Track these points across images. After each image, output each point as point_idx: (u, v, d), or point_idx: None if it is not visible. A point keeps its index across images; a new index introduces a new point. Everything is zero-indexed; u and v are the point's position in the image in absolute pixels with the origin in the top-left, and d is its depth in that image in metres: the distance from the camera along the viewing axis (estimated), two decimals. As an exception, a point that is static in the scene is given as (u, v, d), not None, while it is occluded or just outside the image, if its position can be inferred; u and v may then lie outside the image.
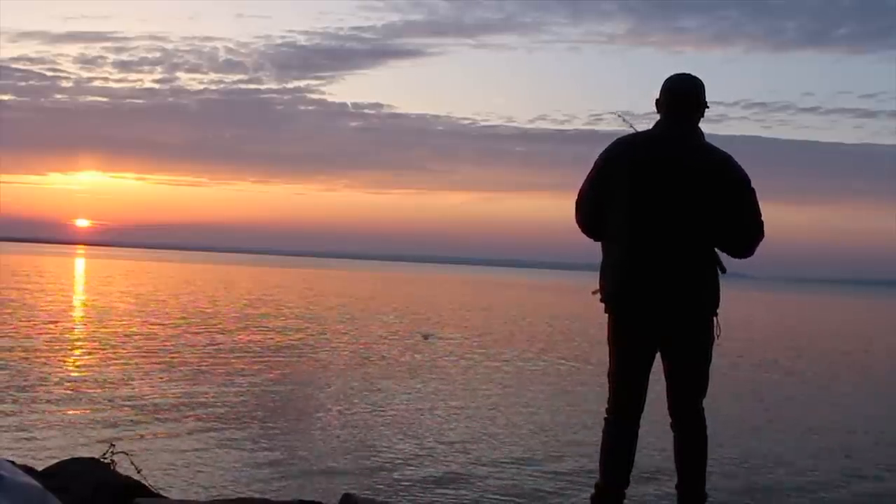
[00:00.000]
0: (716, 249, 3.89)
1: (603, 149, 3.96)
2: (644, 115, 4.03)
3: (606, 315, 3.95)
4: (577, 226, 4.02)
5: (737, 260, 4.01)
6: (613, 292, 3.85)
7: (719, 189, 3.78)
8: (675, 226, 3.76)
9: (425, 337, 9.85)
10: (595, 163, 3.93)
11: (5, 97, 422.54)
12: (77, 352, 13.69)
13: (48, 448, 6.92)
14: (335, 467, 6.88)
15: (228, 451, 7.25)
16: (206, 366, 12.60)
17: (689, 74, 3.95)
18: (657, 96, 3.94)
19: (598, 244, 4.01)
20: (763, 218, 3.87)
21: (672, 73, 3.96)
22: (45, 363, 11.95)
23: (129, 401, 9.41)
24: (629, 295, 3.80)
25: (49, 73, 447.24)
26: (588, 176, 3.94)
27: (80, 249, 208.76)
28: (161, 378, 11.13)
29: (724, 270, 3.89)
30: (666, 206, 3.76)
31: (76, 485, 4.11)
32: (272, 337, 17.54)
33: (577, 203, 3.98)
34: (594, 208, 3.90)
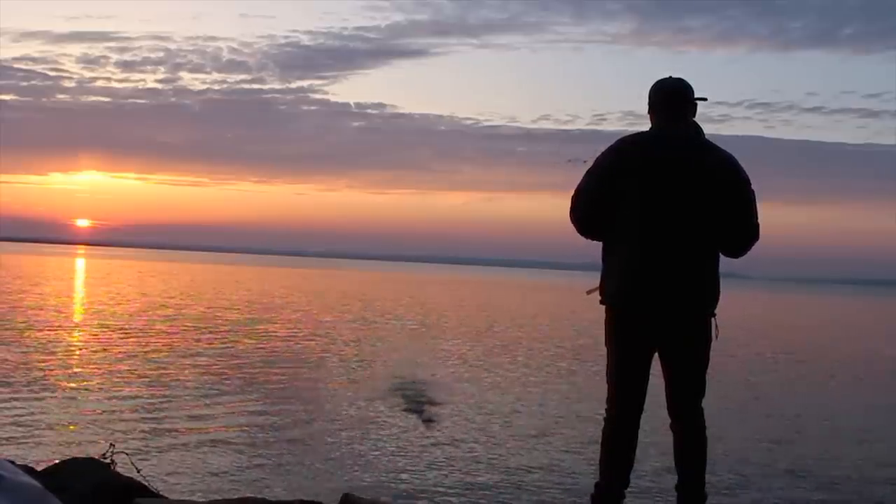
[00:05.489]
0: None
1: (606, 147, 3.95)
2: (647, 115, 4.04)
3: (605, 314, 3.94)
4: (570, 221, 3.99)
5: (738, 261, 4.04)
6: (622, 291, 3.83)
7: (725, 188, 3.78)
8: (686, 225, 3.76)
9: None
10: (597, 160, 3.90)
11: (7, 97, 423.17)
12: (77, 352, 13.69)
13: (48, 448, 6.92)
14: (335, 467, 6.88)
15: (228, 452, 7.25)
16: (207, 367, 12.60)
17: (673, 76, 3.99)
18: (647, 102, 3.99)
19: (598, 244, 3.99)
20: (759, 220, 3.89)
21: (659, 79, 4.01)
22: (46, 363, 11.94)
23: (129, 401, 9.41)
24: (638, 294, 3.78)
25: (52, 73, 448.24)
26: (589, 172, 3.91)
27: (81, 249, 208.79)
28: (161, 378, 11.13)
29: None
30: (678, 205, 3.75)
31: (76, 485, 4.11)
32: (273, 339, 17.54)
33: (575, 199, 3.94)
34: (594, 206, 3.88)
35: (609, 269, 3.91)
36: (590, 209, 3.89)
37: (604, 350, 3.98)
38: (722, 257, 3.93)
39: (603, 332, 3.98)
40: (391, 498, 5.89)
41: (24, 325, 17.23)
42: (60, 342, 14.69)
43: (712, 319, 3.89)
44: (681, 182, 3.76)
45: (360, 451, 7.43)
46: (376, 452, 7.41)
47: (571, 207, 3.95)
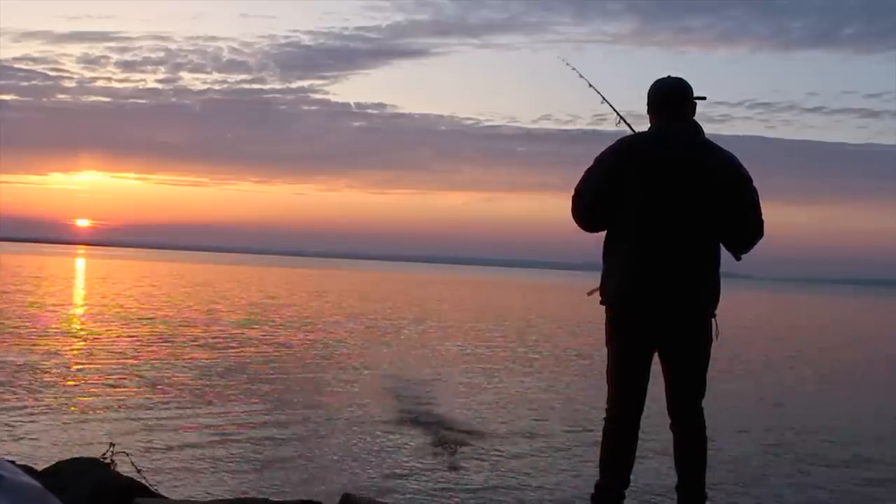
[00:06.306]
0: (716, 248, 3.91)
1: (606, 147, 3.95)
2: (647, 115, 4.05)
3: (605, 314, 3.95)
4: (573, 219, 4.00)
5: (737, 260, 4.05)
6: (622, 291, 3.83)
7: (728, 188, 3.79)
8: (686, 225, 3.76)
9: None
10: (598, 158, 3.91)
11: (8, 97, 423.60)
12: (77, 352, 13.69)
13: (48, 448, 6.92)
14: (335, 467, 6.88)
15: (229, 451, 7.24)
16: (208, 367, 12.60)
17: (672, 76, 4.00)
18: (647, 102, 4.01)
19: (599, 244, 4.00)
20: (763, 217, 3.89)
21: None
22: (46, 363, 11.94)
23: (129, 401, 9.41)
24: (638, 294, 3.79)
25: (52, 73, 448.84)
26: (590, 169, 3.91)
27: (81, 249, 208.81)
28: (162, 378, 11.13)
29: (738, 258, 3.98)
30: (678, 204, 3.75)
31: (76, 485, 4.12)
32: (273, 339, 17.54)
33: (575, 198, 3.95)
34: (594, 204, 3.88)
35: (609, 269, 3.91)
36: (590, 210, 3.90)
37: (604, 350, 3.98)
38: (723, 256, 3.94)
39: (603, 332, 3.99)
40: (391, 498, 5.89)
41: (24, 324, 17.23)
42: (61, 342, 14.68)
43: (712, 319, 3.90)
44: (680, 182, 3.77)
45: (360, 452, 7.42)
46: (376, 452, 7.40)
47: (573, 209, 3.96)
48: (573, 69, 4.72)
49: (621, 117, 4.32)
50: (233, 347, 15.24)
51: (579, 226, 3.98)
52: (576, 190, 3.94)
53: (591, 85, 4.60)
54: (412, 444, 7.79)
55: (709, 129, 3.93)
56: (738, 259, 3.99)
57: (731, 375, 13.68)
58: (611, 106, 4.38)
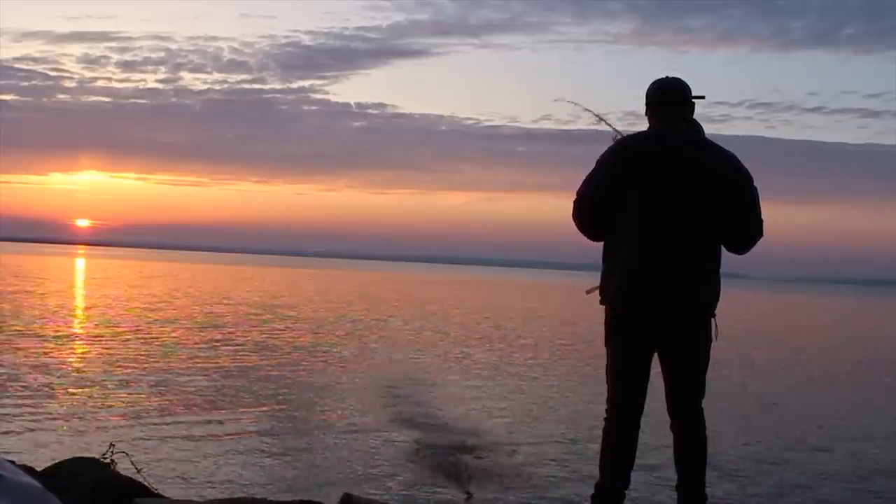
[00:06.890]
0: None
1: (605, 148, 3.95)
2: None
3: (605, 314, 3.94)
4: (575, 225, 3.99)
5: (738, 260, 4.06)
6: (622, 291, 3.83)
7: (728, 187, 3.79)
8: (686, 225, 3.76)
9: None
10: (599, 161, 3.91)
11: (8, 97, 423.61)
12: (77, 352, 13.69)
13: (48, 448, 6.92)
14: (335, 467, 6.88)
15: (229, 452, 7.24)
16: (208, 367, 12.60)
17: (670, 76, 4.00)
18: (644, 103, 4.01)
19: (599, 243, 4.00)
20: (763, 217, 3.90)
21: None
22: (46, 363, 11.94)
23: (130, 401, 9.41)
24: (638, 294, 3.79)
25: (52, 73, 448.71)
26: (591, 174, 3.91)
27: (81, 249, 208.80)
28: (162, 379, 11.13)
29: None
30: (679, 205, 3.75)
31: (76, 485, 4.12)
32: (275, 339, 17.54)
33: (577, 202, 3.94)
34: (597, 207, 3.88)
35: (610, 269, 3.91)
36: (593, 213, 3.90)
37: (604, 350, 3.98)
38: (724, 255, 3.94)
39: (603, 332, 3.99)
40: (391, 499, 5.89)
41: (24, 324, 17.23)
42: (61, 342, 14.68)
43: (712, 320, 3.90)
44: (680, 182, 3.76)
45: (360, 452, 7.42)
46: (377, 453, 7.40)
47: (574, 212, 3.95)
48: (586, 109, 4.63)
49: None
50: (233, 348, 15.24)
51: (582, 232, 3.95)
52: (578, 194, 3.93)
53: (601, 118, 4.51)
54: (412, 445, 7.78)
55: (709, 129, 3.93)
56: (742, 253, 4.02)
57: (731, 375, 13.67)
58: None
